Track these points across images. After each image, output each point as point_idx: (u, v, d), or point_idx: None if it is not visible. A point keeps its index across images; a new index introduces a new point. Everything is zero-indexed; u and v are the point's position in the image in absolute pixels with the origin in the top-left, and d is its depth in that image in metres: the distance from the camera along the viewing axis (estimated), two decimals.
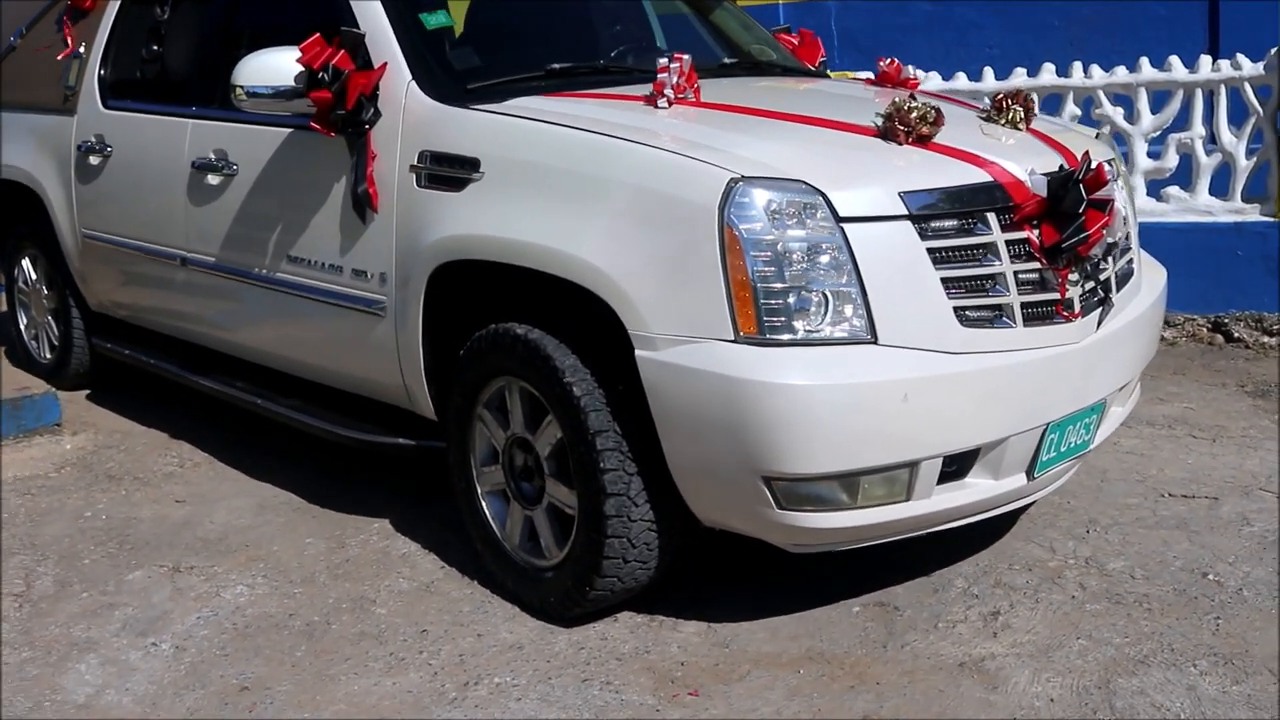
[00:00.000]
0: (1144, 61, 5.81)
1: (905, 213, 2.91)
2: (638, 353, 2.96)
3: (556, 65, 3.72)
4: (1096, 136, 3.88)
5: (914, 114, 3.14)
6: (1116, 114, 5.89)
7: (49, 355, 5.63)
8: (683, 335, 2.89)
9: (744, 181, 2.85)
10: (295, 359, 4.19)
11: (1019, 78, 6.12)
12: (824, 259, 2.87)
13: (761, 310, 2.83)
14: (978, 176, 3.06)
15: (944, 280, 2.94)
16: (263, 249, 4.04)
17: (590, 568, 3.14)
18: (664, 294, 2.92)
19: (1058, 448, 3.24)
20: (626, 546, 3.10)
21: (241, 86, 3.64)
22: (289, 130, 3.87)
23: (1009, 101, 3.52)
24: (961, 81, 6.30)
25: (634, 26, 4.52)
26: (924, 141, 3.14)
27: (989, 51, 7.82)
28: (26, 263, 5.64)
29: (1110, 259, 3.36)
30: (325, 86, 3.52)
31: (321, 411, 4.07)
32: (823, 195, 2.87)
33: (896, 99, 3.18)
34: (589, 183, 3.10)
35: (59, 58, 5.12)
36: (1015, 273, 3.05)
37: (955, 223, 2.99)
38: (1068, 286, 3.16)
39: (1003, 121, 3.49)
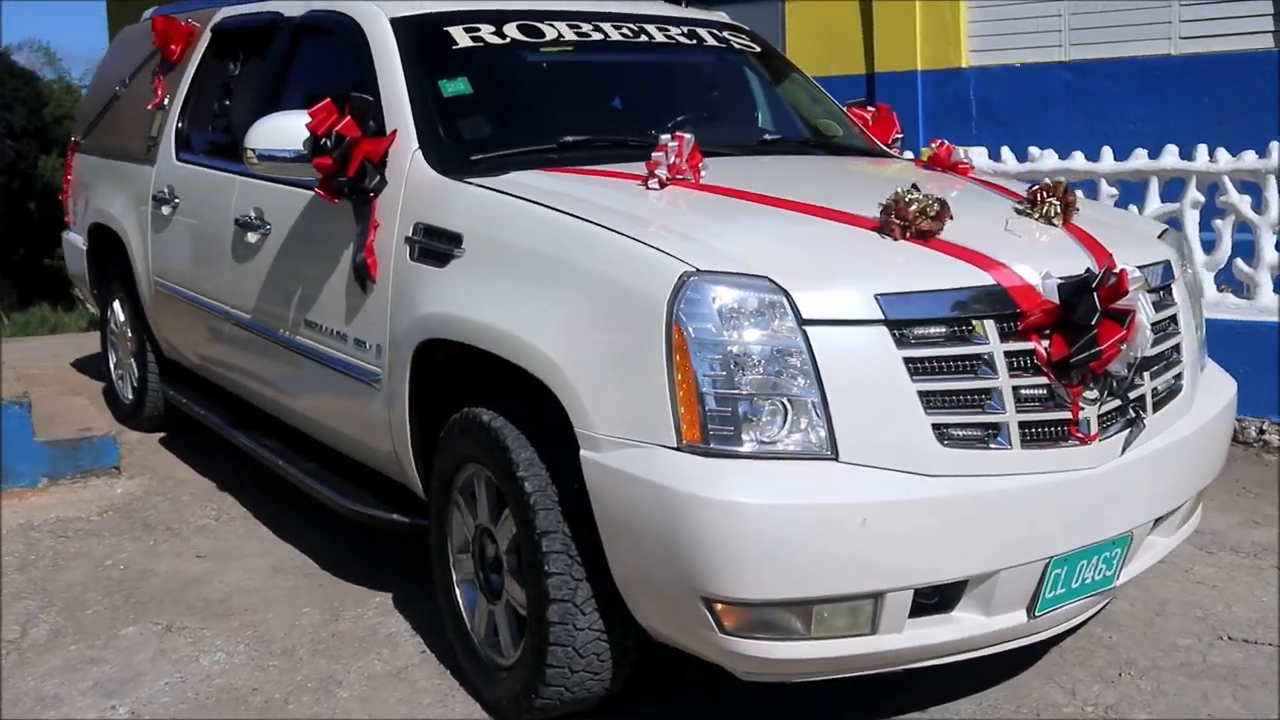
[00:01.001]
0: (1275, 146, 5.30)
1: (880, 317, 2.64)
2: (582, 453, 2.77)
3: (571, 138, 3.57)
4: (1161, 235, 3.49)
5: (913, 207, 2.86)
6: (1243, 202, 5.38)
7: (130, 396, 5.78)
8: (626, 438, 2.69)
9: (698, 276, 2.64)
10: (310, 422, 4.15)
11: (1138, 159, 5.67)
12: (782, 365, 2.62)
13: (707, 417, 2.60)
14: (977, 279, 2.76)
15: (922, 394, 2.65)
16: (285, 310, 4.03)
17: (535, 675, 2.95)
18: (612, 393, 2.72)
19: (1066, 584, 2.89)
20: (572, 656, 2.90)
21: (253, 149, 3.63)
22: (312, 193, 3.84)
23: (1044, 194, 3.19)
24: (1078, 161, 5.88)
25: (705, 94, 4.34)
26: (924, 238, 2.86)
27: (1130, 127, 7.35)
28: (117, 305, 5.81)
29: (1144, 374, 3.01)
30: (328, 153, 3.47)
31: (331, 479, 4.00)
32: (785, 294, 2.63)
33: (899, 190, 2.91)
34: (555, 267, 2.94)
35: (148, 108, 5.27)
36: (1016, 388, 2.74)
37: (942, 330, 2.70)
38: (1082, 405, 2.82)
39: (1036, 216, 3.17)
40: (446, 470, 3.30)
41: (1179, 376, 3.21)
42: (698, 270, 2.65)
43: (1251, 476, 4.95)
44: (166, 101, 5.15)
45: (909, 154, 4.78)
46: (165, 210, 4.97)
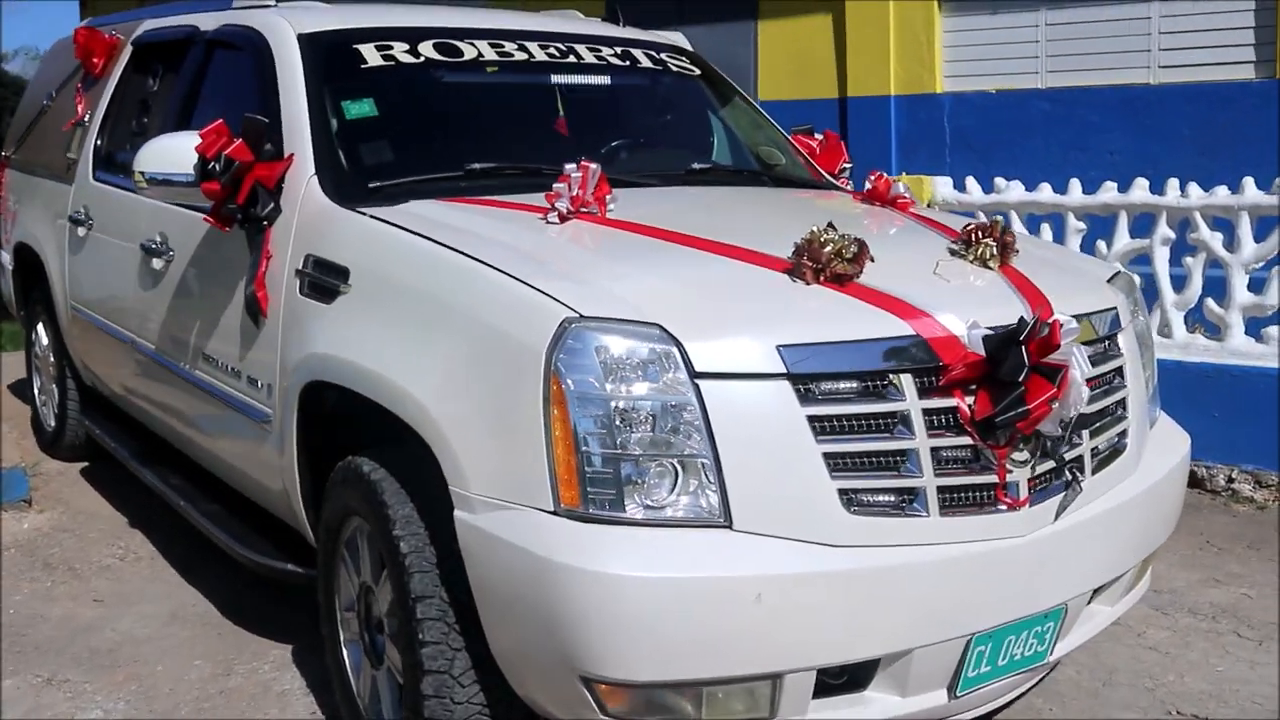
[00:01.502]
0: (1248, 182, 5.06)
1: (782, 371, 2.40)
2: (456, 513, 2.53)
3: (479, 165, 3.34)
4: (1112, 279, 3.25)
5: (827, 248, 2.62)
6: (1215, 240, 5.14)
7: (52, 424, 5.53)
8: (501, 499, 2.44)
9: (580, 323, 2.40)
10: (212, 460, 3.91)
11: (1107, 192, 5.43)
12: (671, 422, 2.38)
13: (586, 479, 2.36)
14: (894, 329, 2.52)
15: (828, 456, 2.41)
16: (186, 342, 3.79)
17: None
18: (488, 449, 2.48)
19: (992, 661, 2.65)
20: None
21: (141, 172, 3.39)
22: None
23: (979, 234, 2.95)
24: (1045, 194, 5.64)
25: (632, 119, 4.09)
26: (840, 282, 2.62)
27: (1109, 158, 7.11)
28: (40, 328, 5.57)
29: (1083, 433, 2.77)
30: (216, 178, 3.23)
31: (229, 523, 3.75)
32: (677, 345, 2.38)
33: (814, 229, 2.67)
34: (435, 307, 2.71)
35: (64, 127, 5.04)
36: (935, 449, 2.50)
37: (852, 386, 2.46)
38: (1010, 468, 2.58)
39: (971, 258, 2.93)
40: (332, 522, 3.06)
41: (1124, 434, 2.97)
42: (580, 316, 2.41)
43: (1217, 529, 4.70)
44: (87, 118, 4.91)
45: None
46: (81, 231, 4.73)
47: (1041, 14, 7.52)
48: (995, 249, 2.92)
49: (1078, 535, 2.73)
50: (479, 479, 2.48)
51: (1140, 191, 5.32)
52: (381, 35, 3.65)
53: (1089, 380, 2.79)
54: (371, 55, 3.57)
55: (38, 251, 5.23)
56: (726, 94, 4.32)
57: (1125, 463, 2.94)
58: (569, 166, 2.97)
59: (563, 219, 2.91)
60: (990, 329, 2.55)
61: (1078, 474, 2.76)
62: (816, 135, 4.39)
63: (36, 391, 5.74)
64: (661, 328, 2.40)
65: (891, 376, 2.48)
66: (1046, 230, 5.60)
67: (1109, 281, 3.23)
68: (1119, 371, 2.99)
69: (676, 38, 5.92)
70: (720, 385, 2.38)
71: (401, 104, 3.58)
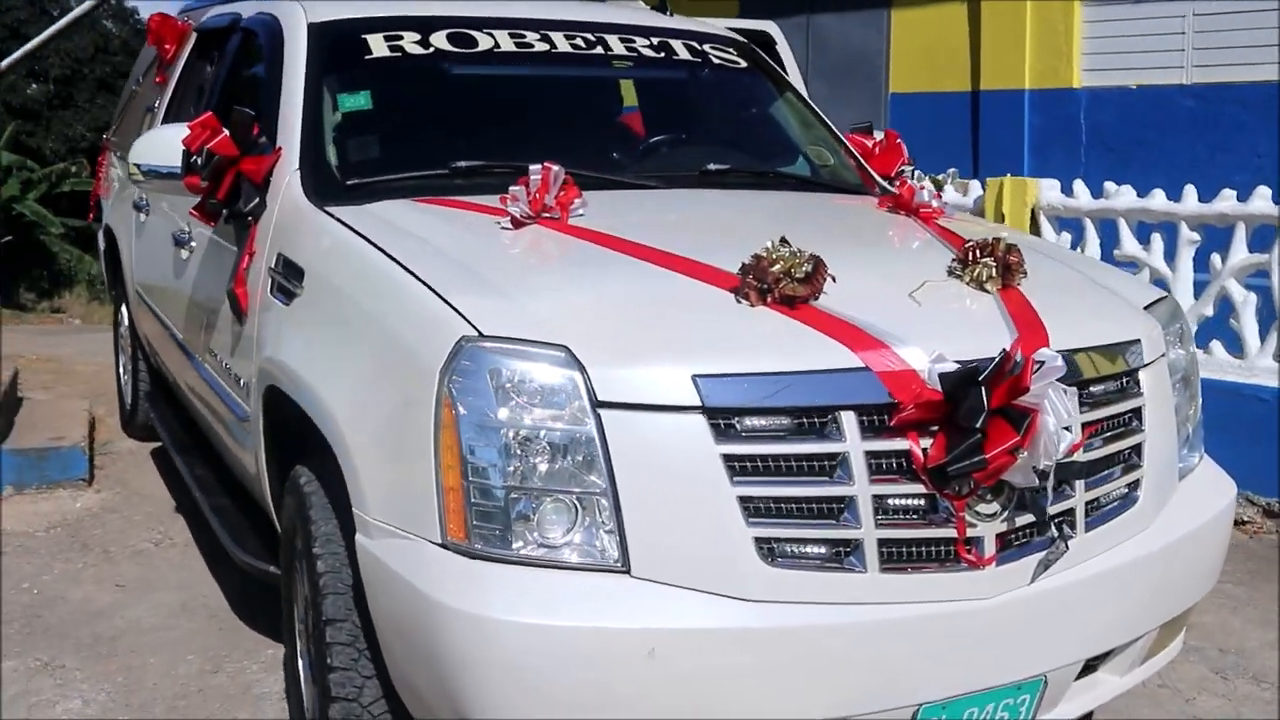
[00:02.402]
0: None
1: (695, 403, 2.16)
2: (357, 537, 2.38)
3: (465, 163, 3.17)
4: (1152, 305, 2.87)
5: (775, 267, 2.36)
6: None
7: (129, 403, 5.65)
8: (395, 527, 2.29)
9: (476, 342, 2.21)
10: (221, 453, 3.88)
11: (1225, 201, 4.92)
12: (569, 455, 2.17)
13: (473, 512, 2.18)
14: (839, 360, 2.24)
15: (744, 500, 2.16)
16: (197, 334, 3.77)
17: None
18: (387, 472, 2.33)
19: None
20: None
21: (137, 164, 3.35)
22: None
23: (977, 253, 2.64)
24: (1158, 201, 5.15)
25: (655, 115, 3.87)
26: (791, 304, 2.36)
27: (1256, 161, 6.50)
28: (123, 308, 5.69)
29: (1075, 484, 2.44)
30: (197, 171, 3.17)
31: (232, 519, 3.70)
32: (581, 370, 2.17)
33: (769, 245, 2.41)
34: (361, 315, 2.57)
35: (146, 109, 5.12)
36: (880, 498, 2.23)
37: (781, 422, 2.20)
38: (973, 522, 2.28)
39: (968, 279, 2.62)
40: (286, 530, 2.96)
41: (1135, 485, 2.61)
42: (480, 335, 2.22)
43: None
44: (156, 103, 4.97)
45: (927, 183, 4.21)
46: (141, 217, 4.80)
47: (1188, 4, 6.93)
48: (994, 270, 2.61)
49: (1062, 599, 2.41)
50: (377, 503, 2.33)
51: (1261, 201, 4.80)
52: (396, 25, 3.52)
53: (1088, 425, 2.48)
54: (378, 46, 3.44)
55: (115, 234, 5.34)
56: (775, 89, 4.04)
57: (1135, 517, 2.59)
58: (533, 168, 2.78)
59: (517, 224, 2.72)
60: (958, 364, 2.26)
61: (1065, 530, 2.44)
62: (874, 135, 4.08)
63: (120, 370, 5.88)
64: (568, 350, 2.19)
65: (835, 413, 2.22)
66: (1158, 241, 5.12)
67: (1147, 308, 2.86)
68: (1136, 413, 2.63)
69: (765, 26, 5.71)
70: (625, 416, 2.16)
71: (398, 97, 3.44)
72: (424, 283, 2.41)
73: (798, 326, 2.31)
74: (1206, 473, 2.93)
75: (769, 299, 2.35)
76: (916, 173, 6.42)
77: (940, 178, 6.49)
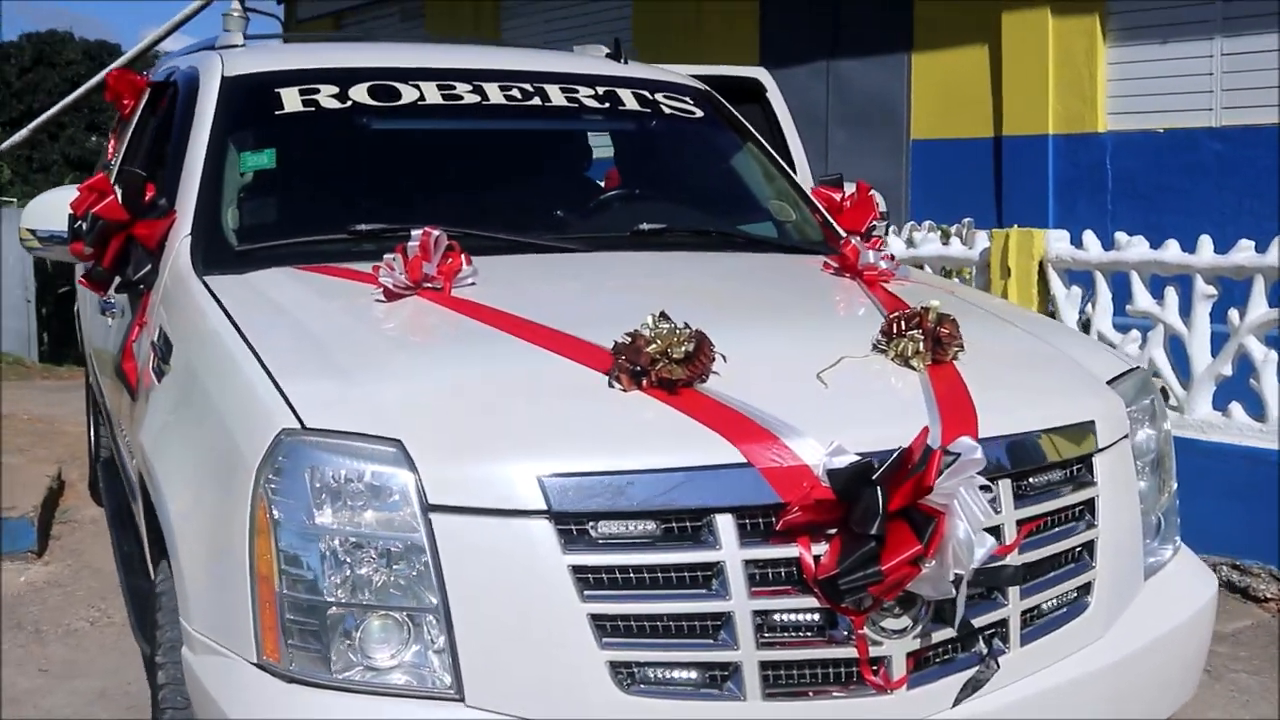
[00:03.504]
0: None
1: (541, 507, 1.88)
2: (182, 650, 2.12)
3: (365, 227, 2.92)
4: (1117, 380, 2.54)
5: (650, 347, 2.07)
6: None
7: (92, 468, 5.47)
8: (214, 642, 2.02)
9: (297, 436, 1.95)
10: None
11: (1242, 252, 4.54)
12: (394, 566, 1.90)
13: (287, 629, 1.91)
14: (717, 455, 1.95)
15: (596, 619, 1.87)
16: (115, 406, 3.54)
17: None
18: (209, 579, 2.06)
19: None
20: None
21: (29, 229, 3.15)
22: None
23: (903, 325, 2.34)
24: (1171, 252, 4.78)
25: (583, 172, 3.59)
26: (670, 389, 2.07)
27: None
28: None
29: (1007, 592, 2.11)
30: (82, 237, 2.96)
31: (142, 605, 3.45)
32: (412, 469, 1.90)
33: (650, 321, 2.13)
34: (204, 398, 2.32)
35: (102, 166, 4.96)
36: (764, 613, 1.92)
37: (645, 528, 1.91)
38: (877, 639, 1.97)
39: (892, 355, 2.31)
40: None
41: (1086, 589, 2.28)
42: (302, 428, 1.96)
43: None
44: (114, 160, 4.80)
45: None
46: None
47: (1217, 43, 6.56)
48: (921, 344, 2.30)
49: None
50: (200, 614, 2.07)
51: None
52: (315, 78, 3.29)
53: (1027, 522, 2.16)
54: (291, 100, 3.22)
55: (78, 292, 5.19)
56: (736, 139, 3.76)
57: (1086, 626, 2.25)
58: (415, 234, 2.52)
59: (390, 296, 2.46)
60: (860, 456, 1.95)
61: (996, 645, 2.11)
62: (841, 188, 3.78)
63: (91, 429, 5.71)
64: (400, 446, 1.92)
65: (711, 517, 1.92)
66: (1172, 295, 4.75)
67: (1111, 382, 2.53)
68: (1088, 506, 2.30)
69: (755, 72, 5.45)
70: (460, 522, 1.89)
71: (305, 156, 3.21)
72: (263, 364, 2.16)
73: (673, 415, 2.02)
74: (1182, 567, 2.59)
75: (644, 383, 2.07)
76: (918, 224, 6.13)
77: (951, 228, 6.16)
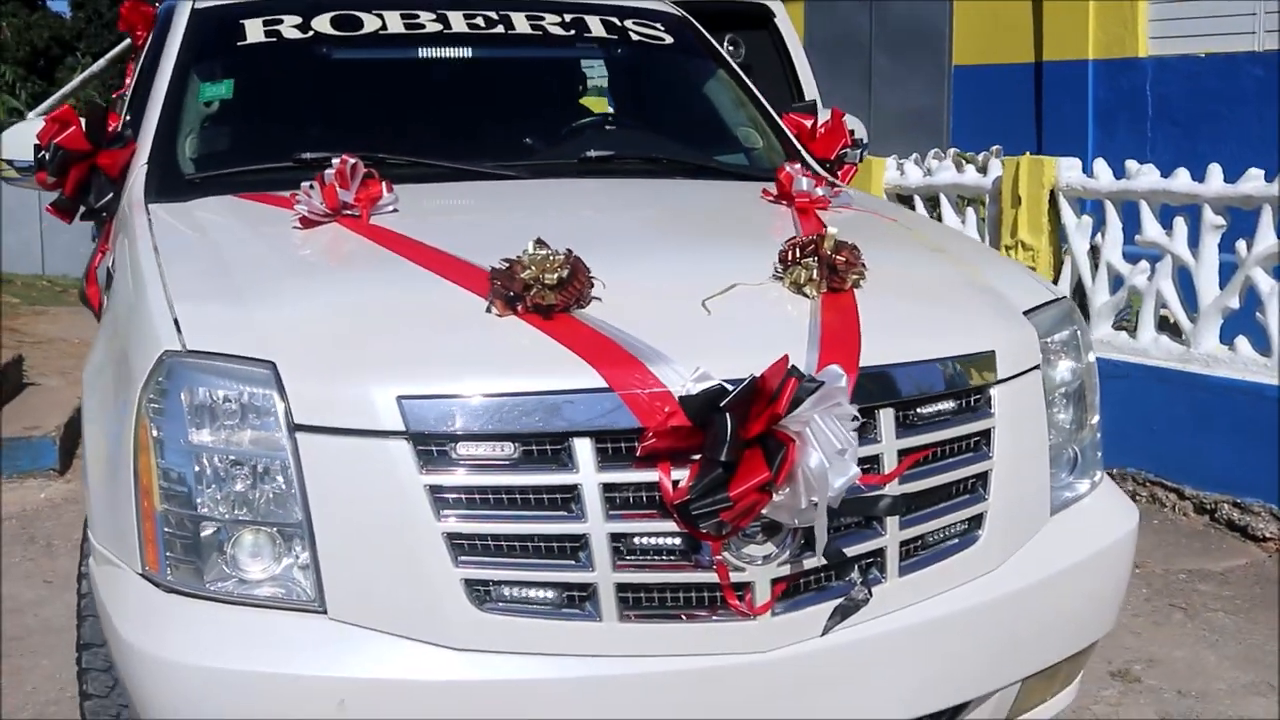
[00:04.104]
0: None
1: (399, 428, 1.93)
2: (89, 560, 2.23)
3: (310, 155, 2.97)
4: (1036, 310, 2.51)
5: (524, 273, 2.11)
6: None
7: None
8: (110, 553, 2.13)
9: (177, 357, 2.03)
10: None
11: (1250, 181, 4.41)
12: (265, 483, 1.98)
13: (165, 542, 2.00)
14: (579, 380, 1.98)
15: (451, 537, 1.93)
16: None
17: None
18: (107, 492, 2.16)
19: None
20: None
21: (7, 160, 3.26)
22: None
23: (796, 254, 2.34)
24: (1180, 181, 4.65)
25: (539, 100, 3.57)
26: (545, 314, 2.10)
27: None
28: None
29: (885, 521, 2.13)
30: (43, 168, 3.06)
31: None
32: (280, 390, 1.97)
33: (529, 249, 2.16)
34: (117, 322, 2.41)
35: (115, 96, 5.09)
36: (620, 535, 1.96)
37: (505, 450, 1.96)
38: (738, 564, 2.01)
39: (788, 283, 2.32)
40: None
41: (977, 521, 2.28)
42: (184, 350, 2.03)
43: None
44: (128, 92, 4.92)
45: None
46: None
47: None
48: (814, 272, 2.30)
49: (867, 652, 2.11)
50: (100, 528, 2.18)
51: None
52: (280, 9, 3.35)
53: (911, 452, 2.16)
54: (254, 31, 3.27)
55: None
56: (706, 66, 3.74)
57: (976, 558, 2.25)
58: (334, 161, 2.58)
59: (307, 223, 2.52)
60: (721, 383, 1.97)
61: (874, 574, 2.14)
62: (812, 115, 3.74)
63: None
64: (273, 367, 1.98)
65: (569, 440, 1.96)
66: (1180, 225, 4.63)
67: (1029, 312, 2.50)
68: (984, 437, 2.29)
69: None
70: (323, 441, 1.95)
71: (261, 86, 3.27)
72: (165, 289, 2.24)
73: (542, 340, 2.05)
74: (1099, 502, 2.56)
75: (519, 309, 2.10)
76: (942, 151, 6.02)
77: (979, 156, 6.05)
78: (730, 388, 1.93)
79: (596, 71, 3.97)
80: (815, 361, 2.08)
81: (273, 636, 1.94)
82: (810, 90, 5.46)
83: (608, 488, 1.96)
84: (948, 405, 2.24)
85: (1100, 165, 4.96)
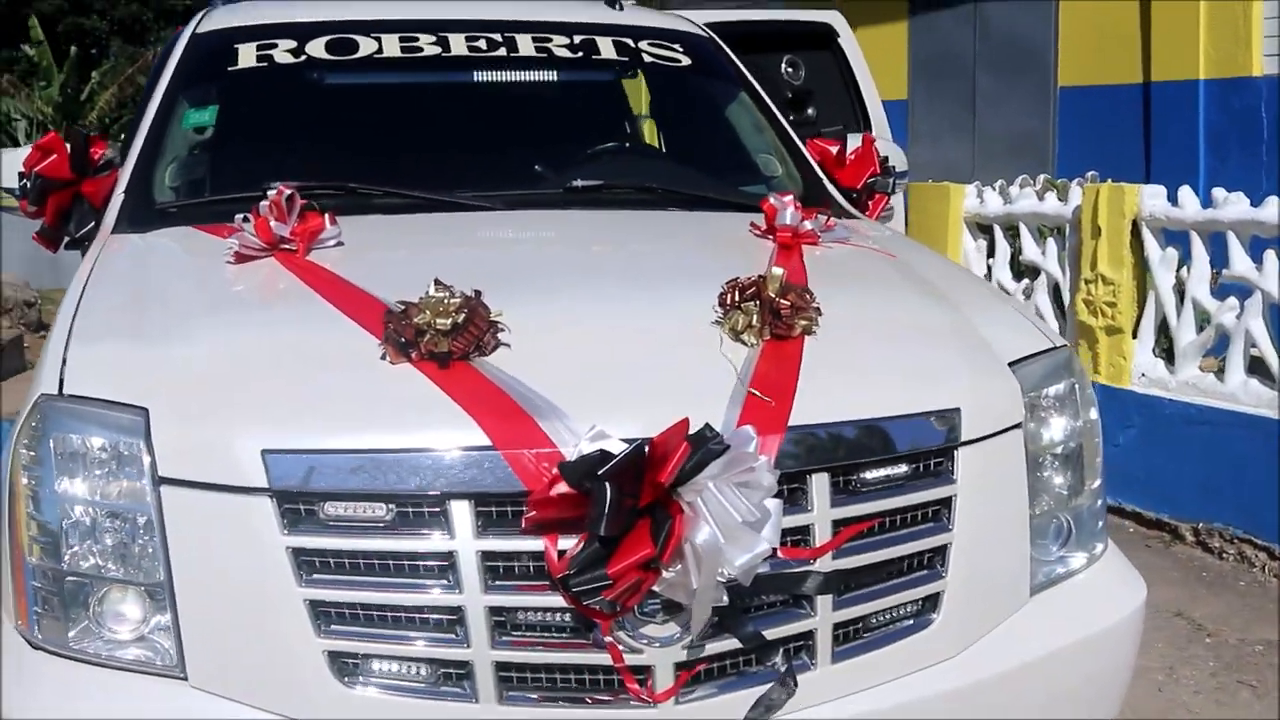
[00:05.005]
0: None
1: (264, 485, 1.79)
2: None
3: (276, 185, 2.84)
4: (1023, 361, 2.24)
5: (419, 318, 1.94)
6: None
7: None
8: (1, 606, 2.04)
9: (53, 401, 1.93)
10: None
11: None
12: (128, 538, 1.86)
13: (32, 596, 1.90)
14: (458, 438, 1.80)
15: (315, 605, 1.78)
16: None
17: None
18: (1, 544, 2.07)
19: None
20: None
21: (7, 188, 3.25)
22: None
23: (737, 296, 2.13)
24: (1269, 210, 4.24)
25: (532, 126, 3.38)
26: (442, 361, 1.93)
27: None
28: None
29: (814, 601, 1.91)
30: (24, 196, 3.04)
31: None
32: (148, 439, 1.84)
33: (433, 291, 1.99)
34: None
35: None
36: (500, 609, 1.79)
37: (372, 511, 1.80)
38: (635, 645, 1.81)
39: (727, 328, 2.11)
40: None
41: (932, 601, 2.03)
42: (59, 394, 1.93)
43: None
44: None
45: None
46: None
47: None
48: (754, 318, 2.09)
49: None
50: None
51: None
52: (275, 33, 3.27)
53: (852, 524, 1.93)
54: (246, 56, 3.20)
55: None
56: (726, 90, 3.54)
57: (928, 644, 2.01)
58: (270, 193, 2.46)
59: (240, 258, 2.41)
60: (623, 443, 1.78)
61: (803, 659, 1.92)
62: (837, 141, 3.50)
63: None
64: (145, 414, 1.87)
65: (445, 503, 1.79)
66: (1271, 259, 4.23)
67: (1015, 363, 2.23)
68: (944, 505, 2.04)
69: (829, 17, 5.15)
70: (186, 495, 1.82)
71: (245, 112, 3.19)
72: (70, 326, 2.15)
73: (429, 391, 1.88)
74: (1098, 578, 2.27)
75: (414, 355, 1.94)
76: (1031, 178, 5.67)
77: (1070, 182, 5.69)
78: (615, 452, 1.74)
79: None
80: (735, 420, 1.87)
81: (129, 704, 1.82)
82: (875, 112, 5.22)
83: (487, 555, 1.79)
84: (898, 470, 2.00)
85: (1186, 194, 4.57)
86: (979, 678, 2.03)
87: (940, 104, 8.38)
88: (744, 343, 2.07)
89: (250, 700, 1.80)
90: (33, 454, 1.90)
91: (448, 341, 1.92)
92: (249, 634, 1.80)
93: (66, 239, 3.08)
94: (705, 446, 1.74)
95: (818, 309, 2.15)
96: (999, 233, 5.49)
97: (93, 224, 3.02)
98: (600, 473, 1.71)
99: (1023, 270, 5.40)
